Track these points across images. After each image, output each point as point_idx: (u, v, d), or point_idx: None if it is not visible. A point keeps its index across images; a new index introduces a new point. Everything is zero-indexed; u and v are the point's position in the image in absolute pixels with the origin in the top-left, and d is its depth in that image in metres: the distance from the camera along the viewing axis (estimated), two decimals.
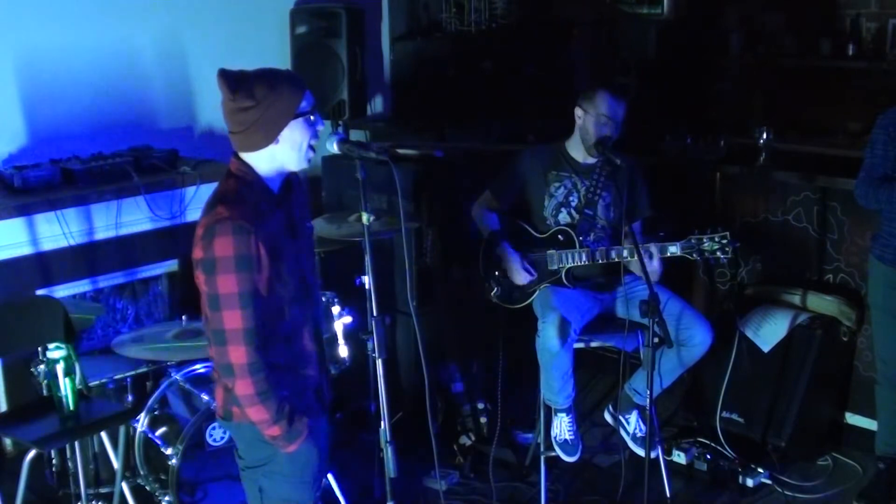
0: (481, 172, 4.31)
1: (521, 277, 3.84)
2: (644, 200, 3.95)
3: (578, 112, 3.84)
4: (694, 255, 3.61)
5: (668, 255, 3.62)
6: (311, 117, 2.56)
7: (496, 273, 3.93)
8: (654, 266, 3.59)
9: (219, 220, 2.42)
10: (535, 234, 3.89)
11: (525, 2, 5.21)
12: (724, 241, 3.55)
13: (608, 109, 3.77)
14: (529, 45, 5.17)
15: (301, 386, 2.67)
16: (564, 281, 3.82)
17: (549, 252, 3.82)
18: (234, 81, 2.48)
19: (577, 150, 3.91)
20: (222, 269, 2.42)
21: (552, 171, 3.91)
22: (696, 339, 3.68)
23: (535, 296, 3.86)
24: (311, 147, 2.57)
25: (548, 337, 3.63)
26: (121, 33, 4.32)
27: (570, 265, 3.80)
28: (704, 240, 3.57)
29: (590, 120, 3.79)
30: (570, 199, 3.89)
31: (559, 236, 3.84)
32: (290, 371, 2.64)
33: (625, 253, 3.69)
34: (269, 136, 2.50)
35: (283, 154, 2.54)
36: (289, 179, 2.67)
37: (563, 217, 3.88)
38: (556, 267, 3.82)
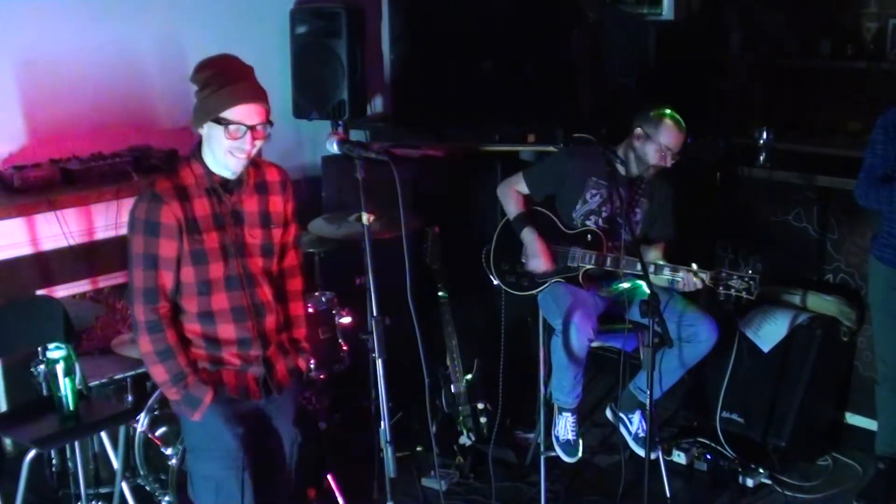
0: (481, 172, 4.30)
1: (540, 265, 3.81)
2: (671, 224, 3.94)
3: (638, 132, 3.79)
4: (719, 288, 3.57)
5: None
6: (231, 130, 2.62)
7: (509, 258, 3.91)
8: (696, 286, 3.60)
9: (146, 187, 2.70)
10: (562, 227, 3.88)
11: (525, 2, 5.20)
12: (752, 283, 3.51)
13: (671, 141, 3.75)
14: (529, 45, 5.16)
15: (215, 364, 2.79)
16: (580, 280, 3.81)
17: (573, 248, 3.82)
18: (202, 63, 2.68)
19: (620, 163, 3.87)
20: (134, 230, 2.67)
21: (592, 178, 3.87)
22: (702, 335, 3.68)
23: (544, 287, 3.85)
24: (233, 154, 2.67)
25: (567, 338, 3.62)
26: (121, 33, 4.31)
27: (589, 267, 3.79)
28: (734, 276, 3.54)
29: (651, 146, 3.76)
30: (603, 208, 3.86)
31: (588, 236, 3.83)
32: (203, 348, 2.77)
33: (651, 269, 3.61)
34: (196, 122, 2.68)
35: (209, 146, 2.69)
36: (254, 178, 2.79)
37: (590, 225, 3.86)
38: (575, 265, 3.81)
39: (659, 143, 3.75)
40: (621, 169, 3.82)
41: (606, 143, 3.78)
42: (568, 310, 3.67)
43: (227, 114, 2.61)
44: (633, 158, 3.83)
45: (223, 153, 2.67)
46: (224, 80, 2.63)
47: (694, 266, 3.60)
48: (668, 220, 3.94)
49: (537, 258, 3.82)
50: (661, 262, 3.68)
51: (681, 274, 3.60)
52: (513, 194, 3.95)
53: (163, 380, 2.73)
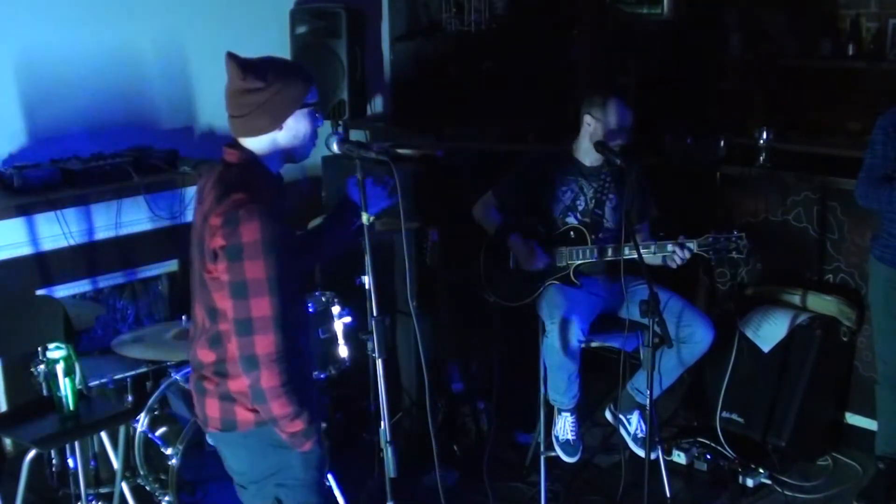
0: (481, 172, 4.30)
1: (534, 263, 3.81)
2: (650, 202, 3.96)
3: (588, 119, 3.83)
4: (710, 254, 3.62)
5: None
6: (316, 112, 2.55)
7: (498, 273, 3.93)
8: (685, 257, 3.62)
9: (241, 205, 2.36)
10: (544, 231, 3.88)
11: (525, 2, 5.21)
12: (741, 242, 3.56)
13: (621, 119, 3.79)
14: (529, 46, 5.17)
15: (306, 384, 2.61)
16: (572, 278, 3.82)
17: (559, 248, 3.83)
18: (245, 62, 2.46)
19: (583, 154, 3.90)
20: (250, 254, 2.35)
21: (560, 175, 3.91)
22: (697, 336, 3.69)
23: (538, 293, 3.86)
24: (316, 137, 2.56)
25: (557, 338, 3.63)
26: (121, 33, 4.32)
27: (579, 262, 3.80)
28: (721, 239, 3.58)
29: (601, 128, 3.79)
30: (577, 203, 3.89)
31: (571, 233, 3.84)
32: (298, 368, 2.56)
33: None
34: (275, 120, 2.47)
35: (284, 142, 2.51)
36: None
37: (571, 221, 3.88)
38: (564, 263, 3.82)
39: (608, 122, 3.78)
40: (583, 159, 3.88)
41: (603, 145, 3.78)
42: (559, 311, 3.67)
43: (311, 97, 2.51)
44: (589, 148, 3.85)
45: (309, 141, 2.54)
46: (291, 66, 2.54)
47: (681, 238, 3.62)
48: (645, 200, 3.96)
49: (528, 258, 3.83)
50: (648, 241, 3.70)
51: (668, 247, 3.62)
52: (489, 212, 3.98)
53: (285, 412, 2.45)
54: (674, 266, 3.66)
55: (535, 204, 3.93)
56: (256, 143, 2.51)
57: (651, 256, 3.67)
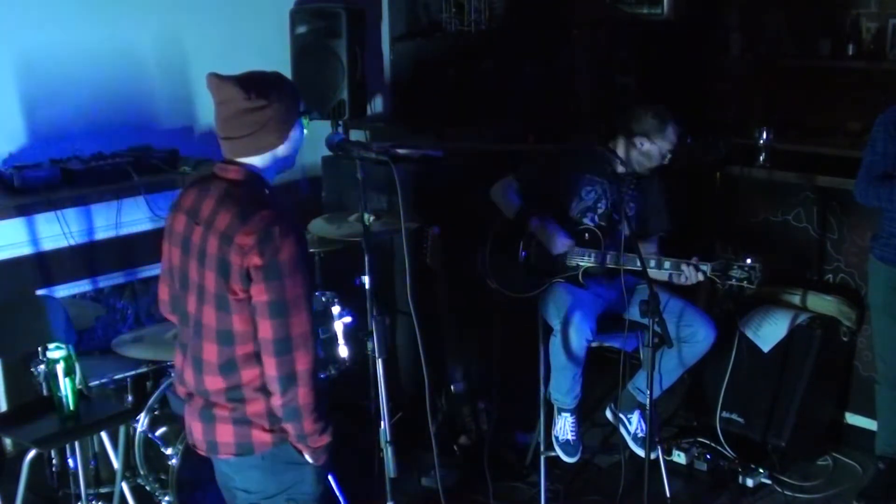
0: (481, 172, 4.30)
1: (562, 244, 3.79)
2: (666, 217, 3.96)
3: (642, 140, 3.80)
4: (721, 279, 3.57)
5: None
6: (308, 120, 2.55)
7: (505, 261, 3.91)
8: (698, 279, 3.59)
9: (274, 222, 2.33)
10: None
11: (525, 2, 5.21)
12: (753, 272, 3.50)
13: (675, 142, 3.82)
14: (529, 46, 5.17)
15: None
16: (580, 279, 3.81)
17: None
18: (245, 82, 2.41)
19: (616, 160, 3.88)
20: (289, 271, 2.32)
21: (586, 175, 3.90)
22: (699, 335, 3.69)
23: (543, 289, 3.85)
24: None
25: (565, 338, 3.62)
26: (121, 33, 4.31)
27: (588, 265, 3.80)
28: (735, 266, 3.54)
29: (655, 149, 3.80)
30: (599, 205, 3.88)
31: (585, 235, 3.83)
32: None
33: (652, 263, 3.62)
34: (281, 135, 2.45)
35: (283, 154, 2.50)
36: None
37: (588, 222, 3.87)
38: (574, 264, 3.82)
39: (665, 145, 3.80)
40: (618, 166, 3.85)
41: (607, 146, 3.78)
42: (567, 310, 3.67)
43: (301, 105, 2.51)
44: (634, 159, 3.83)
45: (299, 148, 2.54)
46: (280, 78, 2.52)
47: (695, 259, 3.61)
48: (662, 213, 3.96)
49: (555, 239, 3.79)
50: (663, 257, 3.69)
51: (682, 267, 3.61)
52: (509, 192, 3.95)
53: (316, 428, 2.46)
54: (681, 283, 3.64)
55: (556, 195, 3.91)
56: (259, 160, 2.47)
57: (661, 272, 3.64)
